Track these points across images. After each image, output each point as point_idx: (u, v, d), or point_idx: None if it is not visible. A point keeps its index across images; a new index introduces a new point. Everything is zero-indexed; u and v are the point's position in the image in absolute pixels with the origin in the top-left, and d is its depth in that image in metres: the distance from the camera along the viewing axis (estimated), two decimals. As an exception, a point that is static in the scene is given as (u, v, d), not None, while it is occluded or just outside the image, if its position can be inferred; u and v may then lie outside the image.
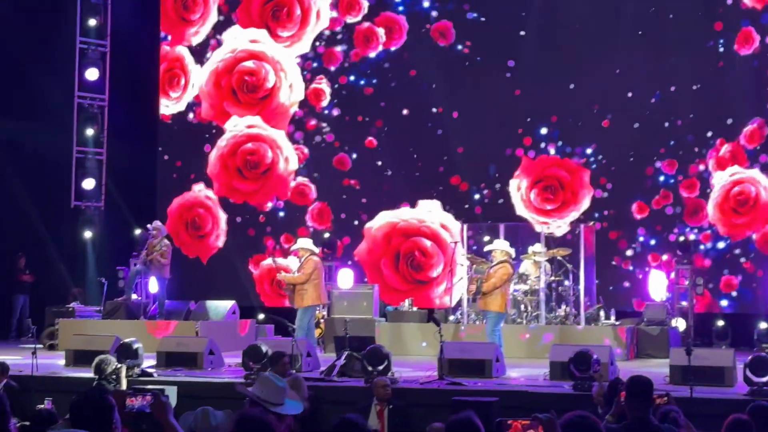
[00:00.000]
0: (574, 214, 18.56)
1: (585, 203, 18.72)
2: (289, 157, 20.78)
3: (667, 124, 18.56)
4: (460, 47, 19.78)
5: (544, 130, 19.18)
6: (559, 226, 18.17)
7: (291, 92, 20.83)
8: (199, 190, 21.32)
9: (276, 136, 20.83)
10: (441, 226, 19.18)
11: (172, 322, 17.15)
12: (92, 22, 21.29)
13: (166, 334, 16.03)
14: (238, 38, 21.21)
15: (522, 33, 19.31)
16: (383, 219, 19.58)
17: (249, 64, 20.98)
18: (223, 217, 21.17)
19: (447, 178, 19.58)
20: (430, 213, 19.31)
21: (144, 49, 21.90)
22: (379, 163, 20.10)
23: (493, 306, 14.33)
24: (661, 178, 18.60)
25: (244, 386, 6.70)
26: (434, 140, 19.72)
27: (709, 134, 18.38)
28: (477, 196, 19.45)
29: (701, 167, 18.40)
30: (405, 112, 20.04)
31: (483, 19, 19.67)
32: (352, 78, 20.50)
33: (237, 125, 21.07)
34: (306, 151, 20.67)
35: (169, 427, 5.10)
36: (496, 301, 14.31)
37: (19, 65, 20.29)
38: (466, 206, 19.35)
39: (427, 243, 19.31)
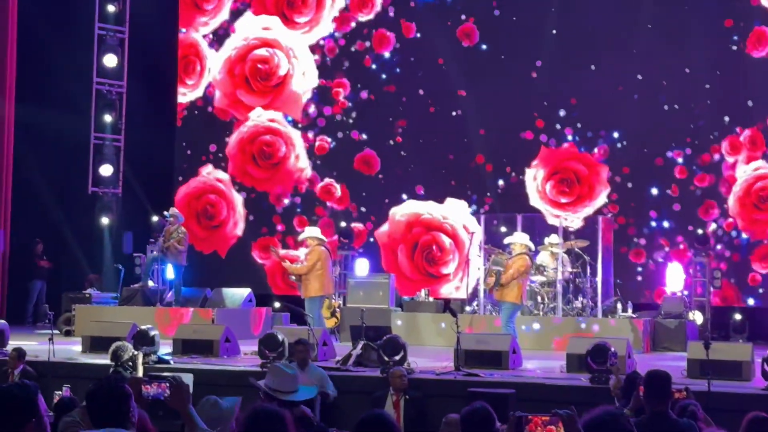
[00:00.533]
0: (588, 210, 18.46)
1: (600, 200, 18.65)
2: (300, 155, 20.83)
3: (684, 111, 18.44)
4: (484, 47, 19.70)
5: (562, 113, 19.05)
6: (572, 221, 18.02)
7: (304, 79, 20.82)
8: (208, 173, 21.34)
9: (293, 134, 20.88)
10: (463, 227, 19.17)
11: (188, 309, 17.17)
12: (111, 8, 21.29)
13: (183, 322, 16.06)
14: (250, 26, 21.22)
15: (553, 31, 19.16)
16: (410, 207, 19.61)
17: (262, 51, 21.00)
18: (239, 198, 21.20)
19: (466, 164, 19.53)
20: (454, 211, 19.31)
21: (162, 36, 21.90)
22: (403, 153, 20.02)
23: (509, 297, 14.30)
24: (678, 167, 18.47)
25: (256, 379, 6.68)
26: (455, 126, 19.69)
27: (726, 119, 18.25)
28: (500, 182, 19.39)
29: (716, 156, 18.27)
30: (423, 94, 19.91)
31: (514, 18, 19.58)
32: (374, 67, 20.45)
33: (260, 116, 21.09)
34: (329, 140, 20.62)
35: (187, 416, 5.06)
36: (513, 292, 14.27)
37: (38, 51, 20.31)
38: (488, 194, 19.32)
39: (446, 240, 19.35)
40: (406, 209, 19.69)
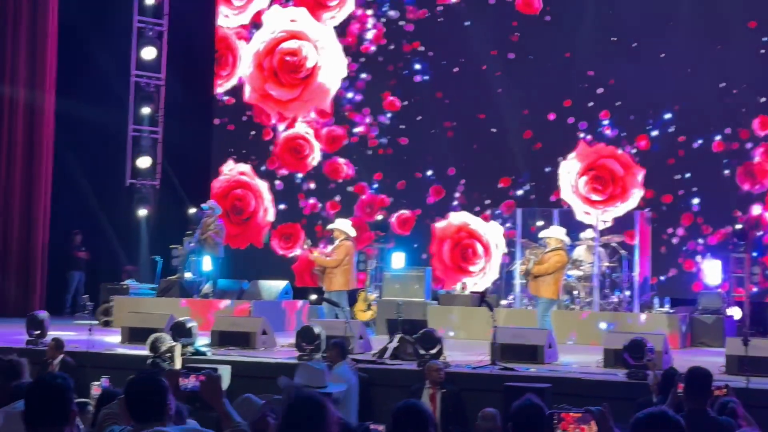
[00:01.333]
0: (618, 211, 18.33)
1: (632, 202, 18.52)
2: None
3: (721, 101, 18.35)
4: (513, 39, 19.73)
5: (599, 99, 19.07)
6: (604, 221, 17.84)
7: (332, 71, 20.87)
8: (230, 169, 21.43)
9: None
10: (494, 245, 19.43)
11: (225, 302, 17.25)
12: (150, 1, 21.42)
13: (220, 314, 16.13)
14: (278, 18, 21.29)
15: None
16: (464, 217, 19.82)
17: (290, 44, 21.04)
18: (263, 185, 21.29)
19: (501, 158, 19.58)
20: (493, 230, 19.62)
21: (200, 29, 22.02)
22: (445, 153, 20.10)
23: (545, 292, 14.26)
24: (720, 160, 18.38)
25: (286, 378, 6.80)
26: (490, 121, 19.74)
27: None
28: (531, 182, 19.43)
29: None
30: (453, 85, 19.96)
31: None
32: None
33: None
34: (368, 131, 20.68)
35: (221, 409, 5.04)
36: (550, 288, 14.24)
37: (77, 45, 20.46)
38: (520, 192, 19.32)
39: (481, 250, 19.63)
40: (461, 218, 19.87)
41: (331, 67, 20.90)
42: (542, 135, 19.37)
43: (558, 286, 14.36)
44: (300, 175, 21.21)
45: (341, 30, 20.93)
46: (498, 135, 19.61)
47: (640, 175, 18.60)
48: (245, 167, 21.48)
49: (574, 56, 19.16)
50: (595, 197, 18.76)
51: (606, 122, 18.97)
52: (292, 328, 16.29)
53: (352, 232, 15.83)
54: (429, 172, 20.22)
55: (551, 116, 19.26)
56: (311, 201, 21.04)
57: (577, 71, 19.13)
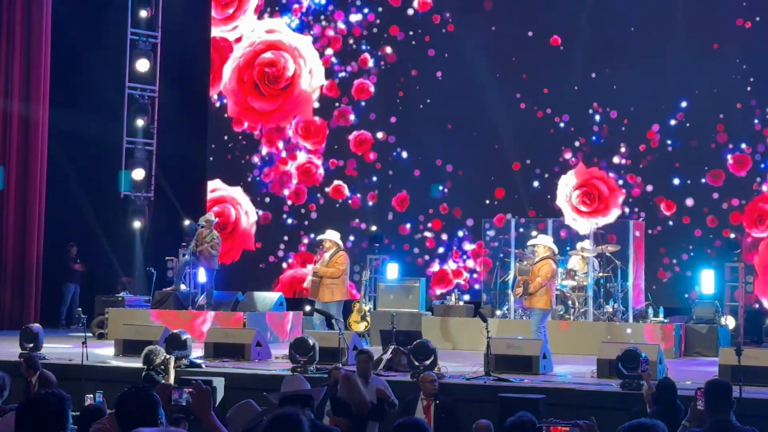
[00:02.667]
0: (597, 222, 18.42)
1: (611, 218, 18.74)
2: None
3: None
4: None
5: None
6: (597, 228, 17.90)
7: (312, 78, 20.96)
8: (212, 190, 21.50)
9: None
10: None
11: (220, 313, 17.26)
12: (143, 13, 21.44)
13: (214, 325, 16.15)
14: (255, 30, 21.43)
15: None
16: None
17: (268, 55, 21.14)
18: (237, 191, 21.40)
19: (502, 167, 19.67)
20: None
21: (194, 41, 22.05)
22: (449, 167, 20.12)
23: (539, 304, 14.26)
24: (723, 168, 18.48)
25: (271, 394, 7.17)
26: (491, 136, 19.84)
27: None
28: (535, 183, 19.53)
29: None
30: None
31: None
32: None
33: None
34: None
35: (209, 420, 5.01)
36: (542, 299, 14.24)
37: (71, 56, 20.50)
38: (516, 196, 19.40)
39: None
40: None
41: (310, 74, 20.95)
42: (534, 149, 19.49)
43: (550, 295, 14.37)
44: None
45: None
46: (495, 148, 19.66)
47: (621, 198, 18.92)
48: (217, 183, 21.53)
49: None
50: (583, 208, 19.09)
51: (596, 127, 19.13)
52: (286, 338, 16.32)
53: (341, 243, 15.88)
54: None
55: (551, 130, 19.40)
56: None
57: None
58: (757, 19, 18.34)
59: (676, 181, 18.71)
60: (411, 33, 20.43)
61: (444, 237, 20.02)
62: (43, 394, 4.78)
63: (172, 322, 16.15)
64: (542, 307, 14.28)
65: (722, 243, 18.08)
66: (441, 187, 20.01)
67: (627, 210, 18.89)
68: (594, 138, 19.22)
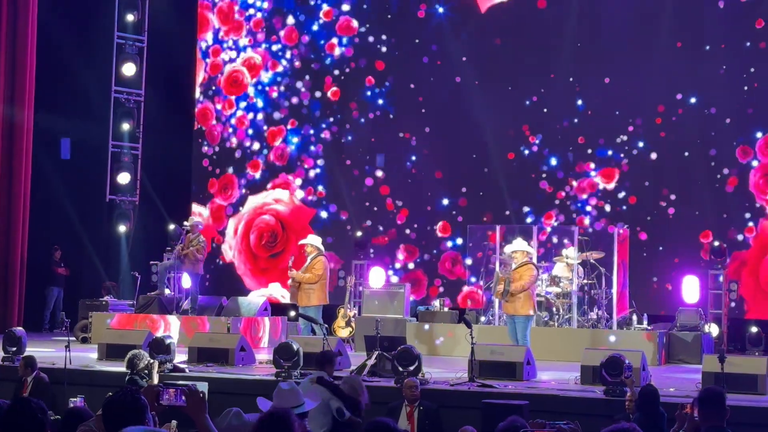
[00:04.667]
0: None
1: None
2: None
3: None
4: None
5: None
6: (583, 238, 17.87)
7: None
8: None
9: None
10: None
11: (205, 318, 17.24)
12: (130, 17, 21.41)
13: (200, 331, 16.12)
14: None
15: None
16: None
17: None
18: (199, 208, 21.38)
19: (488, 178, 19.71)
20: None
21: (181, 45, 22.03)
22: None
23: (523, 310, 14.28)
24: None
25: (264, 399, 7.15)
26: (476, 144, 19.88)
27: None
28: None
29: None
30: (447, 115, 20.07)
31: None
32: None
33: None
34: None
35: (202, 423, 5.12)
36: (526, 305, 14.27)
37: (57, 60, 20.47)
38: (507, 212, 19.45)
39: None
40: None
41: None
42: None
43: (533, 300, 14.41)
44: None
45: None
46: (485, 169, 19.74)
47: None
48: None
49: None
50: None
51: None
52: (271, 344, 16.30)
53: (323, 248, 15.86)
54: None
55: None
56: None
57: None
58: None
59: (660, 190, 18.80)
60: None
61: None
62: (26, 404, 4.82)
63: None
64: (527, 313, 14.31)
65: (707, 251, 18.11)
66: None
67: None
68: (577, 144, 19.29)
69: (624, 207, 18.94)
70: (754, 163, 18.22)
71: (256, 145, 21.44)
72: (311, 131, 21.02)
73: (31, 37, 19.83)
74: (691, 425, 7.31)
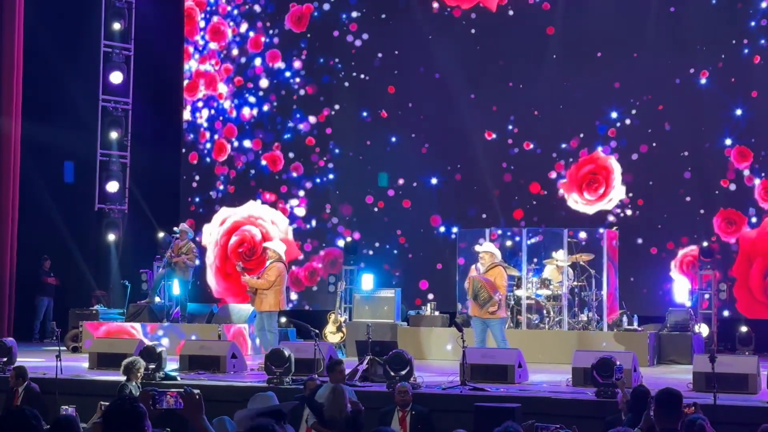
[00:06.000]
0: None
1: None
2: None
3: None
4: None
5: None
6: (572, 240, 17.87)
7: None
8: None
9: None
10: None
11: (194, 325, 17.22)
12: (116, 25, 21.38)
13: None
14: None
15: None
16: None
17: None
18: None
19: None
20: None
21: (168, 53, 22.01)
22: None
23: (500, 313, 14.30)
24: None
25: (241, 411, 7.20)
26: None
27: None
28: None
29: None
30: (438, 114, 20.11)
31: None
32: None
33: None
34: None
35: (200, 425, 5.23)
36: (502, 308, 14.31)
37: (44, 69, 20.42)
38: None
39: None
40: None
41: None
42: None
43: (504, 302, 14.46)
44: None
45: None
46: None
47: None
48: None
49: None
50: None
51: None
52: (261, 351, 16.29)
53: (284, 255, 15.81)
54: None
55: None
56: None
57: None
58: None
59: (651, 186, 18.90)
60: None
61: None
62: (20, 412, 4.87)
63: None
64: (503, 315, 14.38)
65: (697, 251, 18.18)
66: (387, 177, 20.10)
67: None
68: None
69: (617, 208, 18.99)
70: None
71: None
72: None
73: (17, 46, 19.76)
74: (646, 423, 7.35)
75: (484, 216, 19.49)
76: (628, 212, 18.96)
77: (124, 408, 4.94)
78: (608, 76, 19.09)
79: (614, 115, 19.09)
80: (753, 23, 18.46)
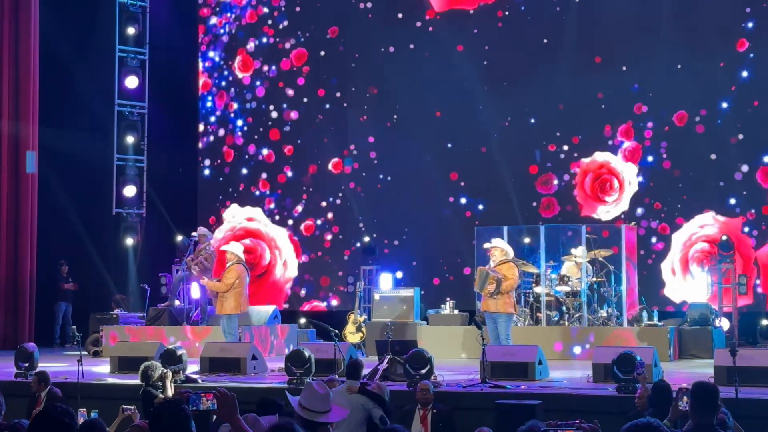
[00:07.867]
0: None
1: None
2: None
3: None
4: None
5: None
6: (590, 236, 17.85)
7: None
8: (233, 215, 21.50)
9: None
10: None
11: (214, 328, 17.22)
12: (131, 30, 21.45)
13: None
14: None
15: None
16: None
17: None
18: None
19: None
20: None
21: (183, 57, 22.06)
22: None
23: (508, 308, 14.26)
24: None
25: (291, 393, 6.78)
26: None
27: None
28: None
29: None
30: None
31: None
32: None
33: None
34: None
35: (237, 424, 5.27)
36: (509, 302, 14.28)
37: (60, 74, 20.48)
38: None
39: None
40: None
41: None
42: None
43: (513, 299, 14.43)
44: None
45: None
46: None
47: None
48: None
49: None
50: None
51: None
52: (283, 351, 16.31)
53: (242, 257, 15.75)
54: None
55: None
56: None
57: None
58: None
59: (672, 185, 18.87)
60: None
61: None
62: (53, 409, 4.90)
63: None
64: (511, 311, 14.35)
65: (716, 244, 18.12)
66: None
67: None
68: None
69: (636, 204, 18.97)
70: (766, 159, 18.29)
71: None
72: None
73: (33, 52, 19.87)
74: (675, 413, 7.29)
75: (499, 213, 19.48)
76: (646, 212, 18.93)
77: (170, 409, 4.99)
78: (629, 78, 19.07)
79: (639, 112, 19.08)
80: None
